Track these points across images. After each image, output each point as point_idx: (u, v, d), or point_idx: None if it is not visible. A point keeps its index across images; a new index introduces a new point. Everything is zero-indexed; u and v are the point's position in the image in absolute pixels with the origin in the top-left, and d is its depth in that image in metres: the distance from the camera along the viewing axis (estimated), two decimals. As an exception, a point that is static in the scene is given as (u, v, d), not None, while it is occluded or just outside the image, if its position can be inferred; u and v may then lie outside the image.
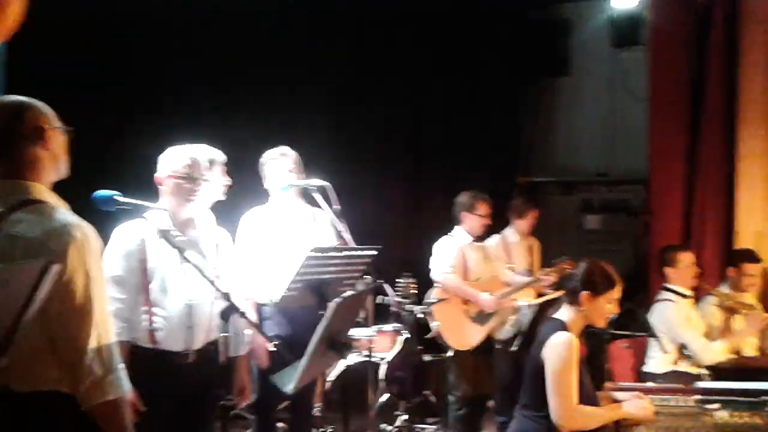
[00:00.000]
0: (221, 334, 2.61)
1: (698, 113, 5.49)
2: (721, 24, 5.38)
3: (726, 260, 5.06)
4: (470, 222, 4.81)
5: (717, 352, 4.15)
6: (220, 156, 3.05)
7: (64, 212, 1.96)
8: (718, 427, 2.70)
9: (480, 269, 4.82)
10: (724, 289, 4.61)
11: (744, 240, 5.26)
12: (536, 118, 7.64)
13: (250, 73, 6.01)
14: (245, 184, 3.52)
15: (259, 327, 3.14)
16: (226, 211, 3.26)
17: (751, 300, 4.74)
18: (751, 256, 4.62)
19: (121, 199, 2.46)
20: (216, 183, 3.00)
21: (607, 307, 2.88)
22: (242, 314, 2.54)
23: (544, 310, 4.27)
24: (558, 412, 2.70)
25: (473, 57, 6.64)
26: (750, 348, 4.47)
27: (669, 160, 5.59)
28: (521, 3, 6.96)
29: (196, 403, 2.94)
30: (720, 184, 5.41)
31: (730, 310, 4.38)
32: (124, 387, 1.97)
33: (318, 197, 3.50)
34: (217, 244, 3.09)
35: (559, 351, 2.74)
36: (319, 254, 2.99)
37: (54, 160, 2.04)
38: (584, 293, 2.84)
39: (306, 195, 3.75)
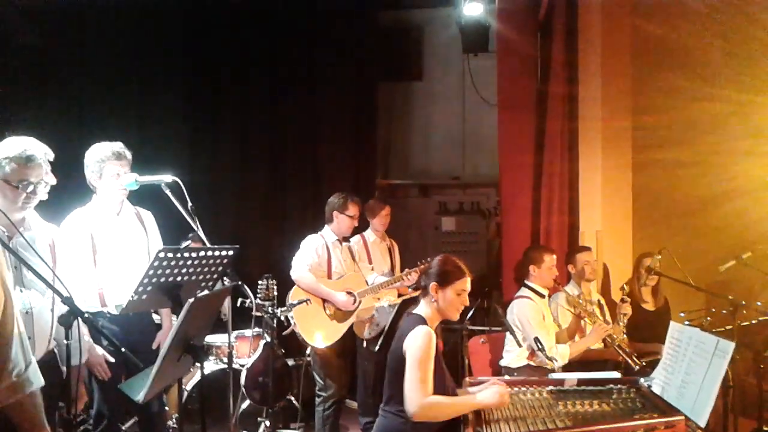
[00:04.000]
0: (64, 342, 2.36)
1: (543, 118, 5.78)
2: (561, 34, 5.71)
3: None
4: (340, 222, 4.81)
5: (562, 355, 4.35)
6: (49, 154, 2.79)
7: None
8: (570, 416, 2.80)
9: (343, 268, 4.83)
10: (573, 289, 4.86)
11: (588, 239, 5.61)
12: (392, 123, 7.75)
13: (98, 71, 5.65)
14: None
15: (103, 333, 2.89)
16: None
17: (596, 295, 5.06)
18: (580, 248, 5.00)
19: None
20: (41, 178, 2.74)
21: (457, 298, 2.95)
22: (86, 319, 2.33)
23: (404, 310, 4.30)
24: (411, 402, 2.71)
25: (328, 63, 6.62)
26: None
27: (517, 164, 5.83)
28: (373, 8, 7.02)
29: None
30: (564, 187, 5.72)
31: (578, 316, 4.62)
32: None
33: (169, 194, 3.28)
34: (51, 243, 2.83)
35: (418, 342, 2.77)
36: (170, 255, 2.80)
37: None
38: (433, 284, 2.93)
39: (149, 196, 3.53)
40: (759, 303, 4.26)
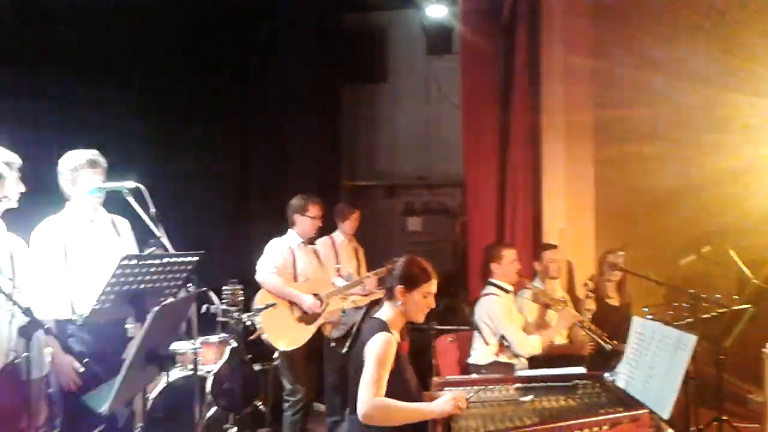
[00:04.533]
0: (23, 354, 2.31)
1: (507, 119, 5.84)
2: (524, 36, 5.77)
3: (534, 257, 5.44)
4: (302, 224, 4.78)
5: (533, 346, 4.40)
6: (16, 160, 2.73)
7: None
8: (536, 412, 2.82)
9: (309, 270, 4.79)
10: (538, 284, 4.92)
11: (551, 237, 5.67)
12: (357, 124, 7.76)
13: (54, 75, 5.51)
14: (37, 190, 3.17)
15: (66, 344, 2.84)
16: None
17: (561, 292, 5.13)
18: (546, 245, 5.06)
19: None
20: (11, 190, 2.69)
21: (424, 300, 2.88)
22: (47, 330, 2.28)
23: (370, 310, 4.31)
24: (361, 401, 2.63)
25: (293, 65, 6.59)
26: (560, 337, 4.81)
27: (482, 164, 5.88)
28: (337, 10, 7.02)
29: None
30: (528, 185, 5.78)
31: (544, 306, 4.68)
32: None
33: (132, 201, 3.23)
34: (11, 255, 2.77)
35: (376, 348, 2.70)
36: (134, 262, 2.76)
37: None
38: (399, 287, 2.85)
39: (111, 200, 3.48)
40: (718, 296, 4.36)
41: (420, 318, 2.94)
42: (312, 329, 4.71)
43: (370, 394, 2.63)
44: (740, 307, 4.31)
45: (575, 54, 5.72)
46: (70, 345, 3.20)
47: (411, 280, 2.86)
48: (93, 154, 3.50)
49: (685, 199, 5.69)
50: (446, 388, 3.13)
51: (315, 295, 4.69)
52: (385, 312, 2.89)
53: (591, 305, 4.79)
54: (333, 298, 4.81)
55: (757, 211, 5.40)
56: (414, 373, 2.93)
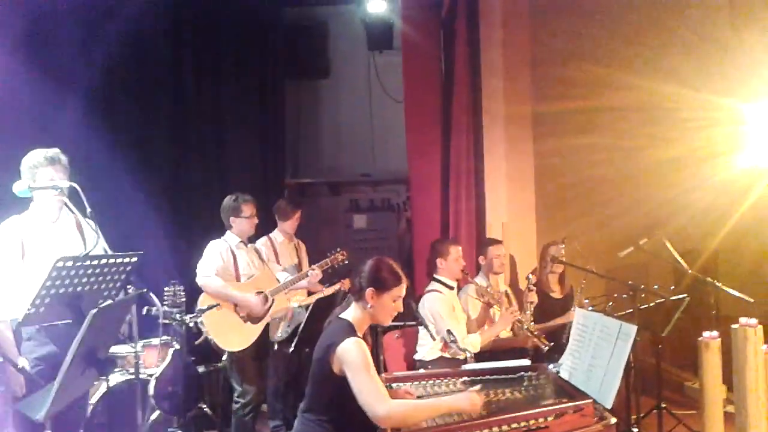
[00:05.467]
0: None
1: (449, 114, 5.88)
2: (464, 31, 5.82)
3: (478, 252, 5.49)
4: (239, 225, 4.70)
5: (473, 344, 4.45)
6: None
7: None
8: (484, 405, 2.84)
9: (251, 269, 4.71)
10: (481, 279, 4.97)
11: (494, 231, 5.74)
12: (300, 121, 7.68)
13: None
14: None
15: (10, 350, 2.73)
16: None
17: (504, 286, 5.20)
18: (491, 240, 5.11)
19: None
20: None
21: (393, 304, 2.85)
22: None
23: (318, 309, 4.26)
24: (379, 410, 2.56)
25: (233, 60, 6.47)
26: (504, 331, 4.87)
27: (425, 160, 5.90)
28: (277, 4, 6.92)
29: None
30: (471, 180, 5.83)
31: (487, 305, 4.73)
32: None
33: (66, 201, 3.13)
34: None
35: (353, 355, 2.63)
36: (69, 264, 2.67)
37: None
38: (369, 290, 2.80)
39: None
40: (656, 286, 4.49)
41: (387, 321, 2.90)
42: (259, 328, 4.64)
43: (382, 402, 2.57)
44: (677, 297, 4.44)
45: (514, 49, 5.80)
46: (25, 349, 3.11)
47: (382, 284, 2.81)
48: (52, 152, 3.46)
49: (624, 191, 5.84)
50: (394, 384, 3.13)
51: (259, 293, 4.62)
52: (352, 313, 2.85)
53: (533, 298, 4.87)
54: (278, 295, 4.74)
55: (694, 203, 5.57)
56: None
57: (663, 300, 4.47)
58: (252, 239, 4.93)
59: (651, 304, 4.48)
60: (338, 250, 5.13)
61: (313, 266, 5.06)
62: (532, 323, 4.73)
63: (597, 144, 5.79)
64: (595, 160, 5.82)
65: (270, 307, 4.67)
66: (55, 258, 3.23)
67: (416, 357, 4.58)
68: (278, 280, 4.87)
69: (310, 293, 5.20)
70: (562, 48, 5.88)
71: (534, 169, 5.83)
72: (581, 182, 5.86)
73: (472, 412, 2.69)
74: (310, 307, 4.34)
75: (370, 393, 2.57)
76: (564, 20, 5.92)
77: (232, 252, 4.67)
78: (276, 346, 5.06)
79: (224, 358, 4.70)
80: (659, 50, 5.91)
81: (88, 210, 3.13)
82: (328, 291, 4.83)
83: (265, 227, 5.24)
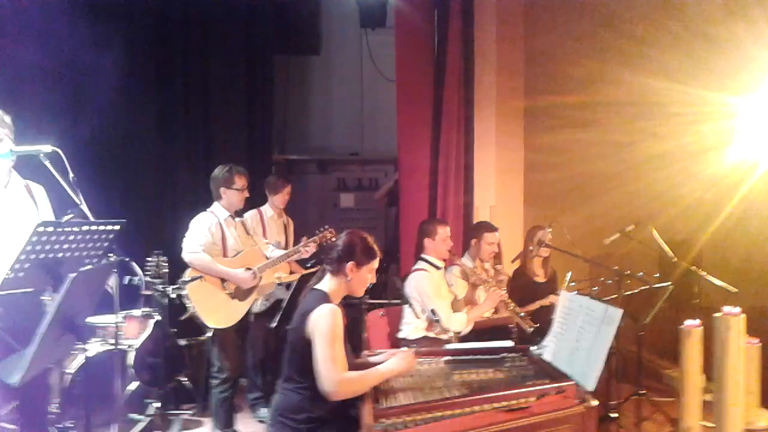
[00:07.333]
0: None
1: (440, 95, 5.84)
2: (458, 12, 5.77)
3: (467, 233, 5.47)
4: (229, 197, 4.59)
5: (460, 322, 4.47)
6: None
7: None
8: (465, 384, 2.85)
9: (239, 244, 4.64)
10: (467, 261, 4.95)
11: (481, 214, 5.74)
12: (289, 97, 7.59)
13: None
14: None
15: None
16: None
17: (490, 269, 5.18)
18: (490, 227, 5.04)
19: None
20: None
21: (368, 276, 2.95)
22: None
23: (302, 286, 4.22)
24: (328, 381, 2.65)
25: (221, 34, 6.35)
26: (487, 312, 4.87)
27: (415, 140, 5.88)
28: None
29: None
30: (460, 162, 5.82)
31: (473, 285, 4.72)
32: None
33: (49, 165, 3.05)
34: None
35: (326, 321, 2.70)
36: (50, 229, 2.61)
37: None
38: (349, 263, 2.88)
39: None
40: (641, 273, 4.49)
41: (361, 292, 3.00)
42: (246, 305, 4.58)
43: (335, 372, 2.66)
44: (662, 284, 4.46)
45: (508, 39, 5.77)
46: None
47: (361, 257, 2.91)
48: None
49: (614, 184, 5.85)
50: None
51: (247, 269, 4.56)
52: (327, 284, 2.91)
53: (504, 274, 4.89)
54: (266, 271, 4.69)
55: (684, 197, 5.58)
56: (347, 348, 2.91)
57: (647, 287, 4.48)
58: (240, 213, 4.85)
59: (635, 291, 4.49)
60: (326, 227, 5.08)
61: (308, 242, 5.00)
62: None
63: (587, 138, 5.79)
64: (586, 154, 5.82)
65: (258, 283, 4.62)
66: (7, 225, 3.16)
67: (400, 335, 4.57)
68: (266, 257, 4.82)
69: (292, 272, 5.16)
70: (556, 40, 5.88)
71: (524, 160, 5.83)
72: (573, 174, 5.87)
73: (408, 371, 2.89)
74: (294, 284, 4.31)
75: (326, 364, 2.66)
76: (559, 12, 5.92)
77: (221, 227, 4.57)
78: (252, 318, 5.02)
79: (209, 333, 4.62)
80: (650, 45, 5.90)
81: (71, 175, 3.04)
82: (312, 270, 4.79)
83: (252, 204, 5.17)
